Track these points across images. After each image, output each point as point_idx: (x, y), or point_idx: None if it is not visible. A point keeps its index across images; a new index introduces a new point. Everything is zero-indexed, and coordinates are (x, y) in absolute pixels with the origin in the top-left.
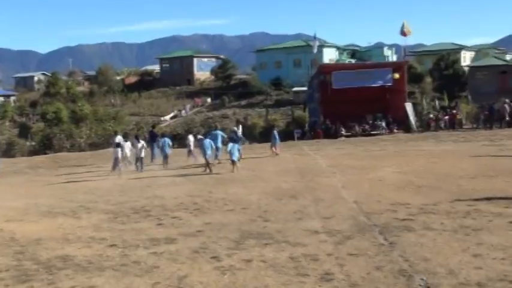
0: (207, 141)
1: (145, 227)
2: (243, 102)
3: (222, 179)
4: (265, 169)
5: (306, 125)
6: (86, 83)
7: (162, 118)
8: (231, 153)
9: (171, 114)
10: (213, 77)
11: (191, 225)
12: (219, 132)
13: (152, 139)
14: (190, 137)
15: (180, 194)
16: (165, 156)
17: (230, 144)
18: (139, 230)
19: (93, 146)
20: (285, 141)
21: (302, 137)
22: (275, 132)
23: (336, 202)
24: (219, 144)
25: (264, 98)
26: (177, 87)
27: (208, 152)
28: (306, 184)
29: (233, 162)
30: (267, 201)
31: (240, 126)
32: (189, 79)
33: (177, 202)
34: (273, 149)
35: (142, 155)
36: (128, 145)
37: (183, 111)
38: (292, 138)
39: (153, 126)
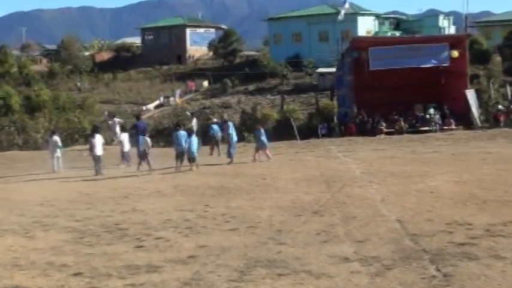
0: (193, 138)
1: (120, 251)
2: (251, 87)
3: (222, 188)
4: (280, 176)
5: (334, 118)
6: (45, 60)
7: (143, 107)
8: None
9: (156, 103)
10: (211, 53)
11: (181, 249)
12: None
13: (138, 133)
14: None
15: (167, 208)
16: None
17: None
18: (112, 254)
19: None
20: (305, 138)
21: (329, 133)
22: (262, 130)
23: (373, 220)
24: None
25: (278, 82)
26: (164, 67)
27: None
28: (333, 196)
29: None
30: (282, 218)
31: (231, 124)
32: (180, 56)
33: (163, 218)
34: (258, 153)
35: (99, 153)
36: (99, 141)
37: (172, 99)
38: (316, 136)
39: (138, 117)
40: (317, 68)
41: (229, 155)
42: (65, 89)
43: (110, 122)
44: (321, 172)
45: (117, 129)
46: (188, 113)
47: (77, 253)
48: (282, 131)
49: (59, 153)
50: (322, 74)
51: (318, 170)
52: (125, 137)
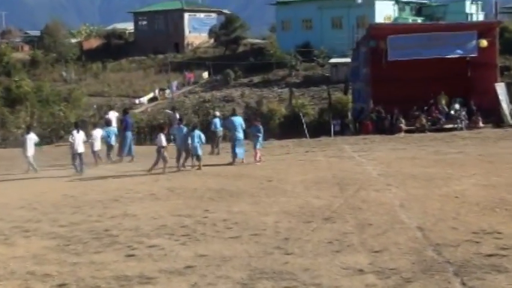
0: (197, 134)
1: (109, 260)
2: (256, 79)
3: (223, 191)
4: (288, 178)
5: (349, 114)
6: (27, 48)
7: (136, 100)
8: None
9: (150, 95)
10: (212, 41)
11: (177, 259)
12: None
13: (126, 128)
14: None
15: (162, 213)
16: (109, 148)
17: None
18: (100, 263)
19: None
20: (316, 136)
21: (342, 131)
22: (260, 127)
23: (391, 228)
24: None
25: (286, 74)
26: (160, 56)
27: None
28: (347, 201)
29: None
30: (290, 224)
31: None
32: (177, 44)
33: (157, 224)
34: (257, 153)
35: (81, 150)
36: (80, 137)
37: (168, 91)
38: (328, 133)
39: (125, 111)
40: (329, 58)
41: (235, 154)
42: (49, 79)
43: (107, 116)
44: (333, 174)
45: (114, 123)
46: (169, 111)
47: (61, 262)
48: (290, 127)
49: (33, 152)
50: (335, 65)
51: (330, 171)
52: (97, 133)
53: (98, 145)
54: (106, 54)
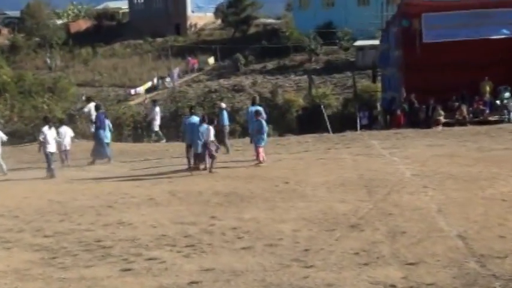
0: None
1: (102, 275)
2: (270, 65)
3: (233, 195)
4: (307, 179)
5: (377, 105)
6: (5, 31)
7: (132, 91)
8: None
9: (148, 85)
10: (219, 21)
11: (180, 273)
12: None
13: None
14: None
15: (162, 221)
16: (107, 144)
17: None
18: (92, 279)
19: (17, 137)
20: (340, 131)
21: (370, 124)
22: (263, 122)
23: (428, 237)
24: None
25: (305, 59)
26: (158, 39)
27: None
28: (376, 205)
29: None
30: (310, 233)
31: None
32: (179, 25)
33: (157, 234)
34: (261, 152)
35: (53, 149)
36: (52, 135)
37: (168, 79)
38: (354, 128)
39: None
40: (355, 40)
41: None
42: (31, 67)
43: (85, 110)
44: (360, 174)
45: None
46: (84, 98)
47: (47, 278)
48: (309, 121)
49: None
50: (361, 48)
51: (356, 171)
52: (65, 131)
53: (67, 143)
54: (96, 38)
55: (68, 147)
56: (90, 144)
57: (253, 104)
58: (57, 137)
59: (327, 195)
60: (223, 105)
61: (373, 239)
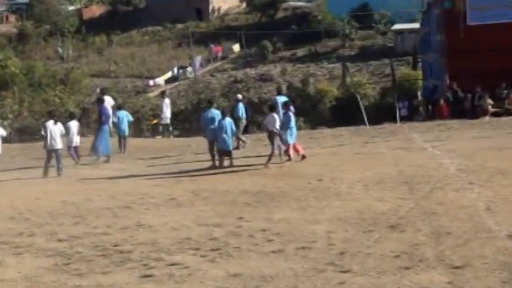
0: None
1: (120, 282)
2: (301, 52)
3: (261, 194)
4: (343, 176)
5: (418, 94)
6: (13, 18)
7: (151, 82)
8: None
9: (168, 75)
10: (244, 5)
11: (205, 279)
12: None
13: (105, 121)
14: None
15: (184, 222)
16: (123, 137)
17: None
18: (109, 286)
19: (27, 133)
20: (377, 123)
21: (410, 115)
22: (290, 114)
23: (475, 237)
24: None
25: (338, 45)
26: (179, 25)
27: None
28: (418, 204)
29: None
30: (346, 235)
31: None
32: (200, 10)
33: (180, 236)
34: (293, 147)
35: (58, 145)
36: (57, 130)
37: (190, 69)
38: (393, 119)
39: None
40: (393, 23)
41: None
42: (41, 57)
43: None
44: (400, 170)
45: (110, 111)
46: (98, 90)
47: (60, 285)
48: (344, 112)
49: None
50: (400, 32)
51: (396, 167)
52: (74, 126)
53: (75, 140)
54: (112, 25)
55: (77, 144)
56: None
57: (279, 93)
58: (63, 132)
59: (364, 193)
60: (240, 96)
61: (415, 241)
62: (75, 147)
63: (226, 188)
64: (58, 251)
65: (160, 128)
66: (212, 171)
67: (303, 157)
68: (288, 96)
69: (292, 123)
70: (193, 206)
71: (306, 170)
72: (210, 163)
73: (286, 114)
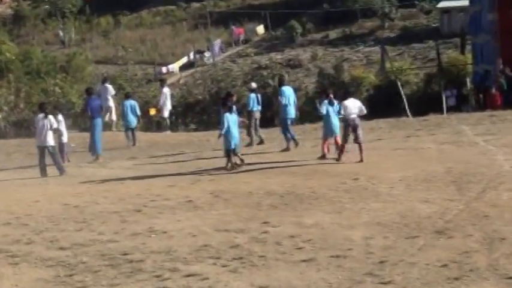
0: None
1: None
2: (334, 34)
3: (290, 195)
4: (382, 175)
5: (468, 81)
6: None
7: (163, 68)
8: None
9: (183, 60)
10: None
11: None
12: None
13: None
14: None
15: (203, 228)
16: (131, 129)
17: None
18: None
19: (24, 128)
20: (421, 114)
21: (459, 105)
22: (327, 103)
23: None
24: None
25: (376, 25)
26: (195, 4)
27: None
28: (468, 206)
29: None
30: (386, 241)
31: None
32: None
33: (197, 244)
34: (327, 142)
35: (50, 142)
36: (48, 124)
37: (208, 54)
38: (440, 110)
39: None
40: (438, 1)
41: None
42: (40, 42)
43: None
44: (448, 167)
45: (110, 102)
46: (105, 75)
47: None
48: (383, 102)
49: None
50: (446, 11)
51: (443, 164)
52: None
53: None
54: (119, 4)
55: (64, 140)
56: (112, 137)
57: (281, 84)
58: (55, 127)
59: (406, 194)
60: (254, 85)
61: (465, 248)
62: (62, 145)
63: (250, 188)
64: (60, 260)
65: (165, 122)
66: (234, 170)
67: (323, 156)
68: (294, 89)
69: (333, 112)
70: (212, 209)
71: (340, 168)
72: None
73: (322, 100)
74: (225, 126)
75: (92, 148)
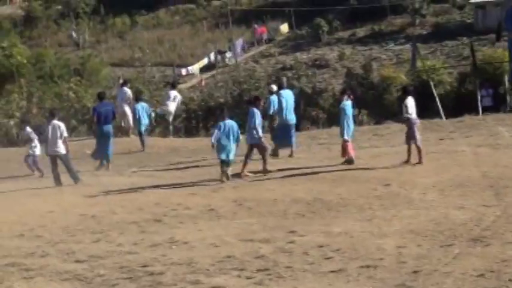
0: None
1: None
2: (362, 32)
3: (317, 202)
4: (415, 180)
5: (505, 80)
6: None
7: (183, 70)
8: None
9: (203, 62)
10: None
11: None
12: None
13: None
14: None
15: (226, 238)
16: (141, 133)
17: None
18: None
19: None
20: (455, 115)
21: (496, 105)
22: (346, 103)
23: None
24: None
25: (407, 22)
26: (215, 2)
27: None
28: (505, 212)
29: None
30: (419, 250)
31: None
32: None
33: (220, 255)
34: (348, 145)
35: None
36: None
37: (229, 55)
38: (475, 110)
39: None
40: None
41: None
42: (53, 44)
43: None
44: (484, 172)
45: (126, 107)
46: (121, 81)
47: None
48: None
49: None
50: (481, 6)
51: (479, 168)
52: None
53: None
54: (135, 3)
55: (37, 152)
56: (130, 143)
57: (281, 87)
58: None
59: (440, 200)
60: (274, 88)
61: (503, 256)
62: (32, 157)
63: (275, 196)
64: (76, 273)
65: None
66: (257, 177)
67: (349, 160)
68: (293, 90)
69: (348, 115)
70: (235, 218)
71: (370, 174)
72: (257, 167)
73: (342, 103)
74: (215, 136)
75: (95, 154)
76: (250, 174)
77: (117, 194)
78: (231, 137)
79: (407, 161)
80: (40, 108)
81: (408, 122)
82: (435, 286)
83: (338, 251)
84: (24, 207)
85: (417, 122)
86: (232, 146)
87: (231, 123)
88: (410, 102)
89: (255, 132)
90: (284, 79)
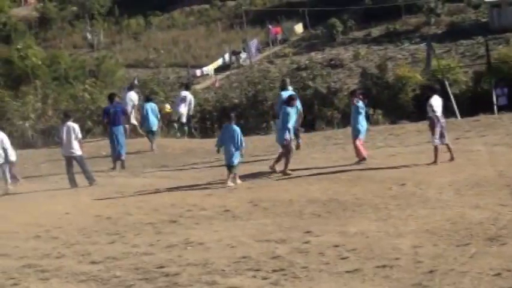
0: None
1: None
2: (376, 32)
3: (333, 202)
4: (430, 179)
5: None
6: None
7: (197, 71)
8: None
9: (218, 62)
10: None
11: None
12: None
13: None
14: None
15: (241, 238)
16: (150, 133)
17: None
18: None
19: (52, 136)
20: (470, 114)
21: (510, 104)
22: (361, 104)
23: None
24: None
25: (422, 22)
26: (230, 2)
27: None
28: None
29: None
30: (435, 249)
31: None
32: None
33: (236, 256)
34: (360, 143)
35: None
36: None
37: (244, 55)
38: (490, 110)
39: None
40: None
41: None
42: (68, 45)
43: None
44: (500, 171)
45: (129, 108)
46: (136, 82)
47: None
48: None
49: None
50: (496, 5)
51: (495, 167)
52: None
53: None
54: (150, 4)
55: (12, 159)
56: (142, 144)
57: (284, 89)
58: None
59: (456, 200)
60: (290, 87)
61: None
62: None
63: (290, 196)
64: (92, 275)
65: (175, 124)
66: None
67: (362, 159)
68: (295, 92)
69: (361, 115)
70: (251, 219)
71: (386, 173)
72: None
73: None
74: (219, 139)
75: (112, 156)
76: (290, 172)
77: (133, 195)
78: (232, 142)
79: (451, 159)
80: (55, 109)
81: (431, 120)
82: (452, 286)
83: (354, 251)
84: (40, 209)
85: (442, 121)
86: (233, 151)
87: (233, 128)
88: (436, 101)
89: (287, 132)
90: (288, 80)
